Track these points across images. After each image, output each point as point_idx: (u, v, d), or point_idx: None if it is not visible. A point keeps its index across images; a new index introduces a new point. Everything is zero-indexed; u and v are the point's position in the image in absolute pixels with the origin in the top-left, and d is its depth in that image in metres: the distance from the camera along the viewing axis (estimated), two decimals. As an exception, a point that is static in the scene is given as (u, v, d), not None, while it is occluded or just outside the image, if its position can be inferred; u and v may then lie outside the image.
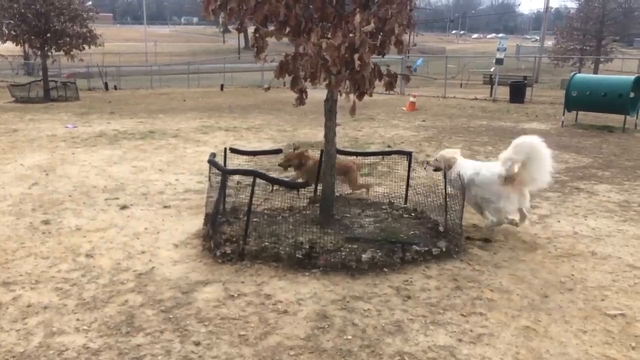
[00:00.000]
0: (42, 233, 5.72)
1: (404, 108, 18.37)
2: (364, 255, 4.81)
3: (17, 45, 22.75)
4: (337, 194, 5.99)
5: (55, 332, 3.73)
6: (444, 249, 5.10)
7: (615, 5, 45.22)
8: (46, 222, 6.06)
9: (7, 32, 20.79)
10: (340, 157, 6.27)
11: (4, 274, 4.64)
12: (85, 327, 3.79)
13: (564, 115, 14.71)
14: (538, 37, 55.88)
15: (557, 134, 13.10)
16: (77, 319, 3.90)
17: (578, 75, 15.81)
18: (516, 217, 5.67)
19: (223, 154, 6.28)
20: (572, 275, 4.80)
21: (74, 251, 5.20)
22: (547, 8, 41.03)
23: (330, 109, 5.40)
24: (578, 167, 9.22)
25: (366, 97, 5.03)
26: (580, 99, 14.19)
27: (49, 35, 21.06)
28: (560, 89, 24.43)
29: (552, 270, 4.90)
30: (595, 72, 36.57)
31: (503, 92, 22.07)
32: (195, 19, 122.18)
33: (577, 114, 15.14)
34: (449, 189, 5.56)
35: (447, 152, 6.22)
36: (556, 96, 21.64)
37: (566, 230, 5.97)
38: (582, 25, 43.54)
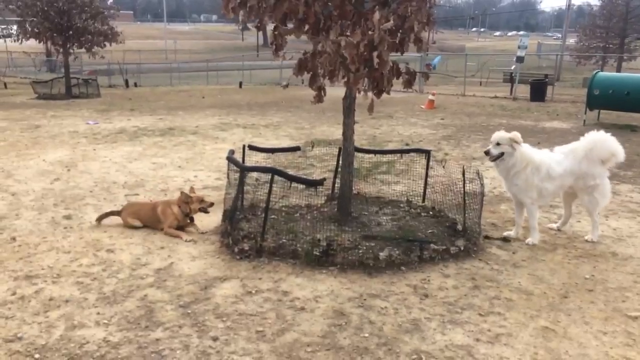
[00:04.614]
0: (63, 228, 5.82)
1: (422, 106, 18.27)
2: (381, 254, 4.80)
3: (39, 42, 23.12)
4: (354, 191, 5.98)
5: (76, 325, 3.79)
6: (462, 248, 5.08)
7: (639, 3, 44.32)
8: (68, 217, 6.15)
9: (30, 29, 21.15)
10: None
11: (27, 268, 4.73)
12: (105, 321, 3.84)
13: (585, 114, 14.49)
14: (560, 35, 55.10)
15: (578, 133, 12.79)
16: (98, 313, 3.96)
17: (600, 73, 15.54)
18: None
19: (241, 151, 6.31)
20: (593, 275, 4.74)
21: (95, 246, 5.28)
22: (569, 5, 40.46)
23: (348, 107, 5.40)
24: (600, 167, 9.06)
25: (384, 95, 5.02)
26: (602, 98, 13.97)
27: (71, 32, 21.36)
28: (582, 88, 24.09)
29: (572, 270, 4.84)
30: (619, 70, 36.02)
31: (524, 90, 21.79)
32: (214, 17, 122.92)
33: (599, 113, 14.93)
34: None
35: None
36: (578, 95, 21.34)
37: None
38: (605, 23, 42.83)
